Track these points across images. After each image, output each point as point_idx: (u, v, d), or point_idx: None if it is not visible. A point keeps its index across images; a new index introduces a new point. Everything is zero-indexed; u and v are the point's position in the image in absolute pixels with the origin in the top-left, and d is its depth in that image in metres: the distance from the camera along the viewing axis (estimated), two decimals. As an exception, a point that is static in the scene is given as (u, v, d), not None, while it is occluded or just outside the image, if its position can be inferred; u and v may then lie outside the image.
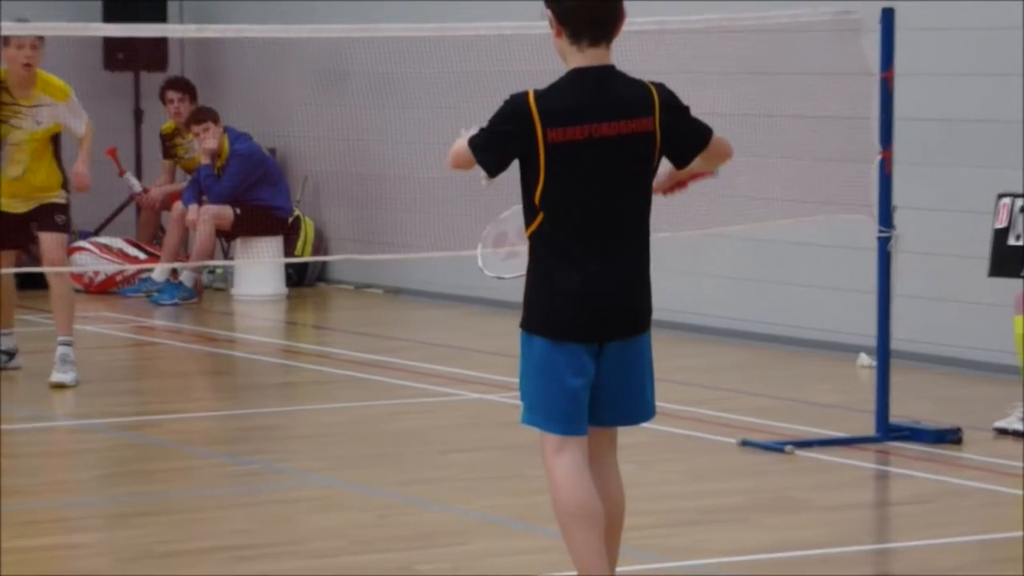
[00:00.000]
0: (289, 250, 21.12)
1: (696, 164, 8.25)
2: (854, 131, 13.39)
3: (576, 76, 7.94)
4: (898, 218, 13.19)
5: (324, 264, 21.84)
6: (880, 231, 13.16)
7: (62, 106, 15.38)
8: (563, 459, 8.06)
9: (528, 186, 7.88)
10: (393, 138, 20.93)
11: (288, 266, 21.21)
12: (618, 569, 10.05)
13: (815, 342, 16.82)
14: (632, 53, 18.48)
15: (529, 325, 8.08)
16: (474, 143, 7.99)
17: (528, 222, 8.00)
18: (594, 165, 7.83)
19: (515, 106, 7.90)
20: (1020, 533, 11.42)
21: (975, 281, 14.26)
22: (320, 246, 21.60)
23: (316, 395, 15.84)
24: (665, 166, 8.20)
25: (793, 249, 16.66)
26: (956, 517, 11.36)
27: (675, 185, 8.42)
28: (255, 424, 14.53)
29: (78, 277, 20.80)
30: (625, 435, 13.81)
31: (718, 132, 8.16)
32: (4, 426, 13.98)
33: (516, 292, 19.25)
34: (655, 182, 8.17)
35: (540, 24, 18.11)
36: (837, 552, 10.37)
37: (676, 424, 12.56)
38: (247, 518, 11.28)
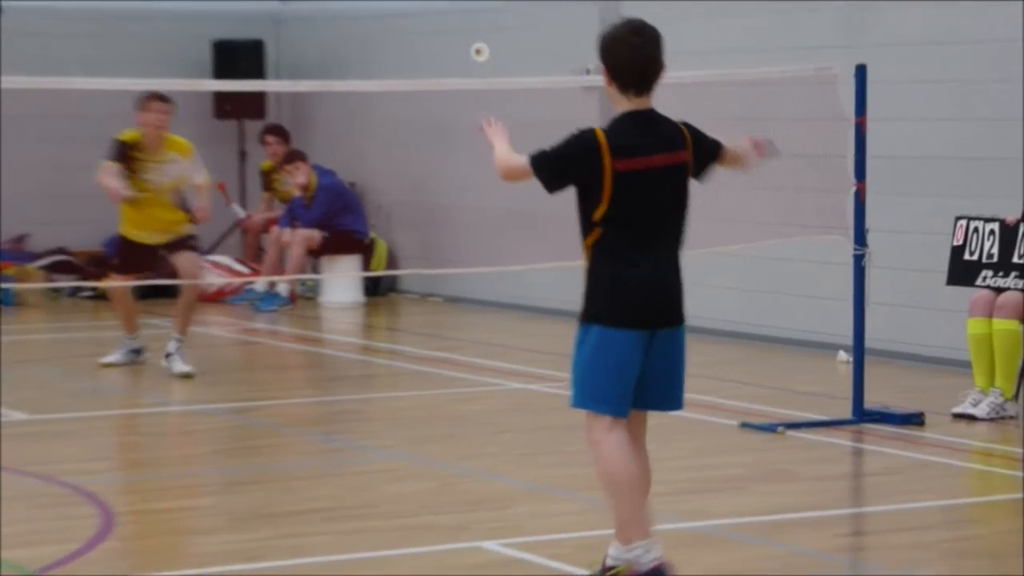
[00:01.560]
0: (366, 266, 21.16)
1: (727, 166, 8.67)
2: (833, 167, 13.38)
3: (628, 118, 8.08)
4: (870, 239, 13.21)
5: (394, 277, 21.81)
6: (856, 249, 13.18)
7: (186, 161, 15.52)
8: (613, 437, 8.10)
9: (588, 205, 8.04)
10: (450, 173, 20.93)
11: (365, 279, 21.22)
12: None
13: (801, 341, 16.80)
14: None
15: (591, 317, 8.12)
16: (538, 163, 8.21)
17: (586, 234, 8.10)
18: (648, 189, 7.98)
19: (586, 139, 8.03)
20: (973, 499, 11.49)
21: (935, 290, 14.26)
22: (391, 262, 21.60)
23: (388, 385, 15.86)
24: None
25: (783, 264, 16.62)
26: (920, 486, 11.37)
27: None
28: (339, 409, 14.56)
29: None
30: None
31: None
32: (135, 410, 14.08)
33: (552, 300, 19.32)
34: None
35: (568, 79, 18.25)
36: (821, 515, 10.40)
37: (686, 409, 12.56)
38: (333, 486, 11.33)
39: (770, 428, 12.86)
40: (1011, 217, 13.52)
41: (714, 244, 16.16)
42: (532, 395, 14.71)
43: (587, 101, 18.98)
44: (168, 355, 15.39)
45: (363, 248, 21.30)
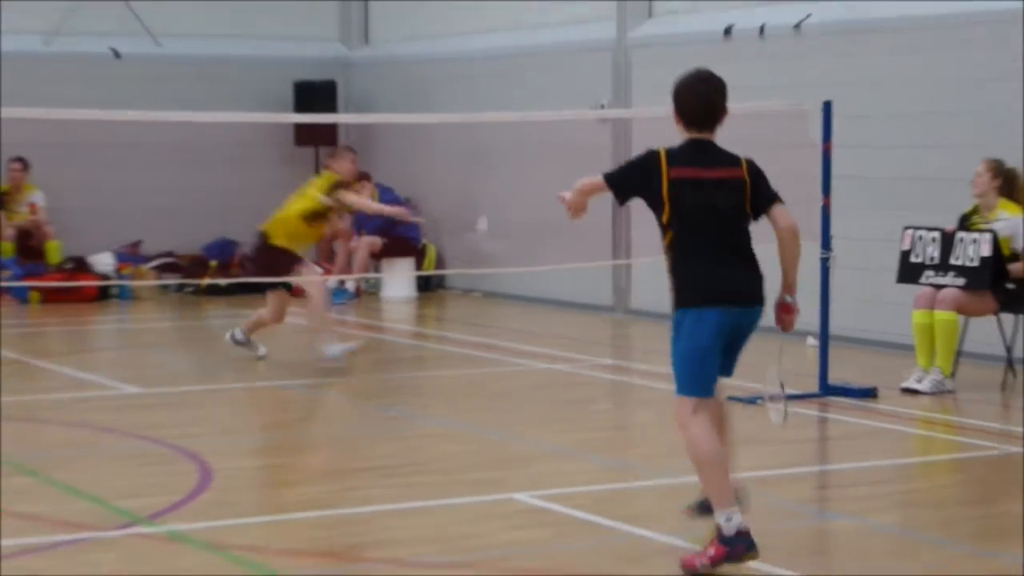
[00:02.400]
0: (418, 267, 21.19)
1: (781, 261, 8.27)
2: (804, 185, 13.36)
3: (690, 142, 8.05)
4: (834, 244, 13.20)
5: (442, 276, 21.83)
6: (822, 253, 13.16)
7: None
8: (698, 419, 7.95)
9: (656, 211, 7.99)
10: (489, 189, 20.94)
11: (418, 277, 21.25)
12: (641, 483, 10.15)
13: (775, 328, 16.77)
14: (649, 126, 18.50)
15: (682, 302, 7.98)
16: (609, 176, 8.14)
17: (663, 237, 8.05)
18: (703, 195, 7.94)
19: (648, 155, 8.01)
20: (918, 459, 11.51)
21: (887, 286, 14.24)
22: (439, 264, 21.62)
23: (436, 365, 15.89)
24: None
25: (761, 264, 16.62)
26: (874, 448, 11.38)
27: (782, 316, 8.47)
28: (396, 384, 14.56)
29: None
30: (645, 392, 13.90)
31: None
32: (229, 385, 14.12)
33: (571, 295, 19.26)
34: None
35: (585, 112, 18.21)
36: (794, 472, 10.42)
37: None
38: (391, 447, 11.34)
39: (751, 400, 12.84)
40: (949, 227, 13.55)
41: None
42: (555, 373, 14.69)
43: (601, 130, 19.03)
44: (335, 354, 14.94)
45: (416, 252, 21.34)
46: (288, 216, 15.14)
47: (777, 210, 8.16)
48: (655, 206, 8.00)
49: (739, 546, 7.72)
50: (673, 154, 8.00)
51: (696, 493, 8.29)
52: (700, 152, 8.05)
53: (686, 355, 7.98)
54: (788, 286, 8.32)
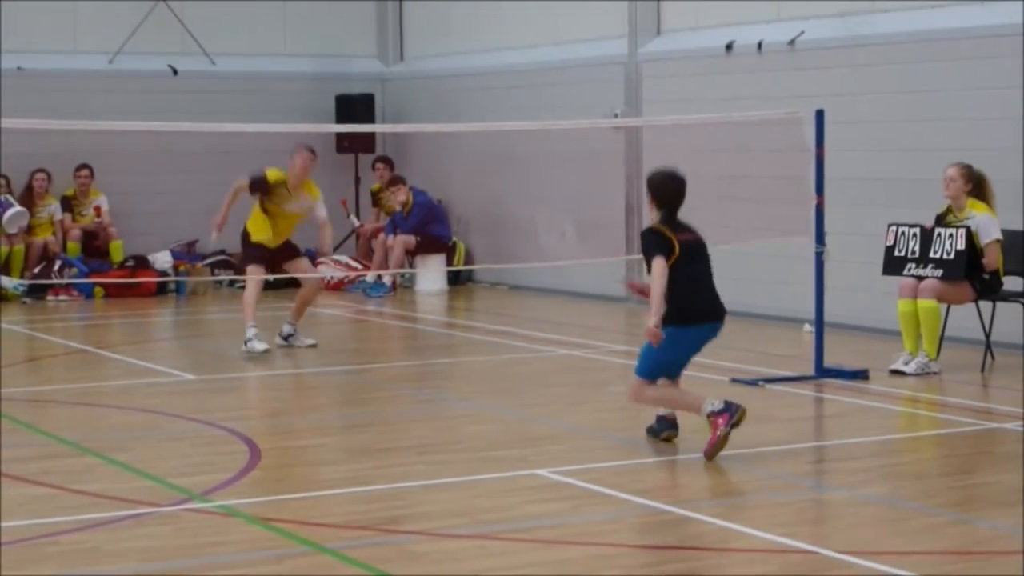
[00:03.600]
0: (449, 262, 21.17)
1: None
2: (799, 186, 13.33)
3: (667, 219, 10.01)
4: (828, 240, 13.16)
5: (471, 271, 21.82)
6: (816, 247, 13.12)
7: (316, 202, 15.21)
8: (647, 388, 10.09)
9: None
10: (513, 191, 20.93)
11: (449, 272, 21.22)
12: (652, 459, 10.10)
13: (776, 316, 16.75)
14: (658, 133, 18.50)
15: (681, 320, 9.91)
16: (663, 255, 9.78)
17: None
18: (692, 249, 9.99)
19: (660, 231, 9.89)
20: (904, 435, 11.45)
21: (874, 278, 14.18)
22: (468, 259, 21.61)
23: (467, 352, 15.84)
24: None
25: (763, 258, 16.58)
26: (865, 425, 11.32)
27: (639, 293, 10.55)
28: (429, 370, 14.55)
29: (322, 280, 20.98)
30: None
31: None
32: (276, 372, 14.11)
33: (589, 287, 19.24)
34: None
35: (600, 121, 18.18)
36: (792, 447, 10.36)
37: (690, 369, 12.50)
38: (425, 428, 11.31)
39: (753, 382, 12.81)
40: (928, 223, 13.53)
41: (716, 243, 16.15)
42: (573, 359, 14.65)
43: (615, 137, 19.00)
44: (289, 336, 15.23)
45: (447, 249, 21.31)
46: (253, 213, 15.18)
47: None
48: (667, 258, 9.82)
49: (731, 407, 9.68)
50: (669, 227, 9.91)
51: (652, 420, 10.32)
52: (678, 224, 9.99)
53: (666, 354, 10.01)
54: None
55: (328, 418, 12.01)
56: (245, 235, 15.16)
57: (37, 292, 19.54)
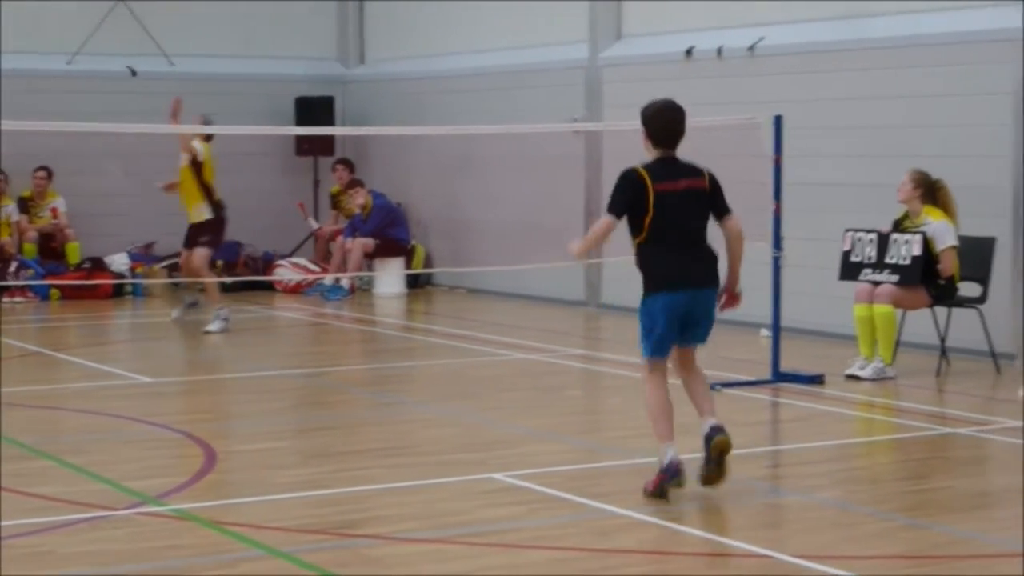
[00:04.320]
0: (408, 266, 21.15)
1: (729, 260, 9.21)
2: (757, 191, 13.37)
3: (659, 160, 8.95)
4: (785, 245, 13.21)
5: (430, 274, 21.79)
6: (774, 252, 13.18)
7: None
8: (652, 378, 8.97)
9: (639, 217, 8.81)
10: (472, 195, 20.96)
11: (407, 275, 21.20)
12: (608, 463, 10.11)
13: (733, 321, 16.69)
14: (618, 137, 18.56)
15: (647, 289, 8.93)
16: (615, 209, 8.81)
17: (636, 236, 8.89)
18: (676, 202, 8.82)
19: (635, 174, 8.82)
20: (860, 439, 11.50)
21: (830, 283, 14.24)
22: (427, 263, 21.60)
23: (425, 355, 15.82)
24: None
25: (721, 264, 16.63)
26: (821, 429, 11.36)
27: (727, 303, 9.33)
28: (387, 374, 14.52)
29: (279, 282, 20.99)
30: (614, 379, 13.87)
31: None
32: (232, 375, 14.08)
33: (547, 291, 19.27)
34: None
35: (560, 126, 18.24)
36: (749, 451, 10.38)
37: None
38: (382, 432, 11.32)
39: (712, 386, 12.80)
40: (885, 228, 13.61)
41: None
42: (531, 363, 14.68)
43: (575, 141, 19.03)
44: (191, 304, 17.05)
45: (406, 252, 21.28)
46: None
47: (729, 220, 9.10)
48: (639, 213, 8.81)
49: (671, 473, 8.74)
50: (651, 171, 8.85)
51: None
52: (669, 167, 8.90)
53: (650, 324, 8.93)
54: (734, 279, 9.25)
55: (285, 421, 11.98)
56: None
57: (-6, 293, 19.47)
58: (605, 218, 8.81)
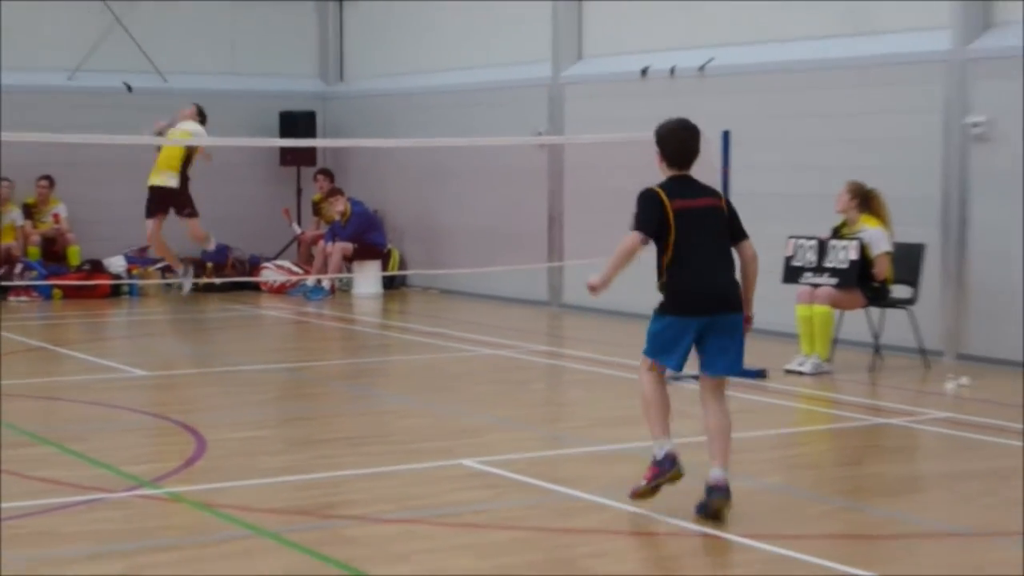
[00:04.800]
0: (384, 268, 21.13)
1: (744, 282, 8.47)
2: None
3: (674, 179, 8.23)
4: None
5: (405, 276, 21.77)
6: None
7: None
8: (649, 375, 8.24)
9: (662, 237, 8.06)
10: (444, 202, 20.95)
11: (384, 277, 21.18)
12: (569, 450, 10.11)
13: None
14: (579, 151, 18.57)
15: (664, 310, 8.19)
16: (645, 229, 8.08)
17: (662, 256, 8.12)
18: (696, 219, 8.11)
19: (654, 194, 8.11)
20: (800, 428, 11.53)
21: (774, 285, 14.25)
22: (402, 265, 21.56)
23: (399, 351, 15.79)
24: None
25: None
26: (764, 420, 11.36)
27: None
28: (364, 368, 14.53)
29: (264, 283, 20.94)
30: (575, 374, 13.85)
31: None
32: (220, 368, 14.04)
33: (515, 292, 19.24)
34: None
35: (525, 139, 18.22)
36: (700, 440, 10.35)
37: (613, 368, 12.57)
38: (359, 422, 11.30)
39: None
40: (824, 236, 13.65)
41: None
42: (498, 358, 14.65)
43: (539, 154, 19.04)
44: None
45: (383, 255, 21.25)
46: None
47: (745, 244, 8.42)
48: (663, 233, 8.08)
49: (666, 465, 8.13)
50: (667, 189, 8.14)
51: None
52: (685, 186, 8.21)
53: (654, 333, 8.21)
54: (749, 302, 8.48)
55: (269, 412, 11.96)
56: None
57: (1, 292, 19.41)
58: (631, 236, 8.06)
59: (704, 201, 8.24)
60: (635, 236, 8.06)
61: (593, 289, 8.23)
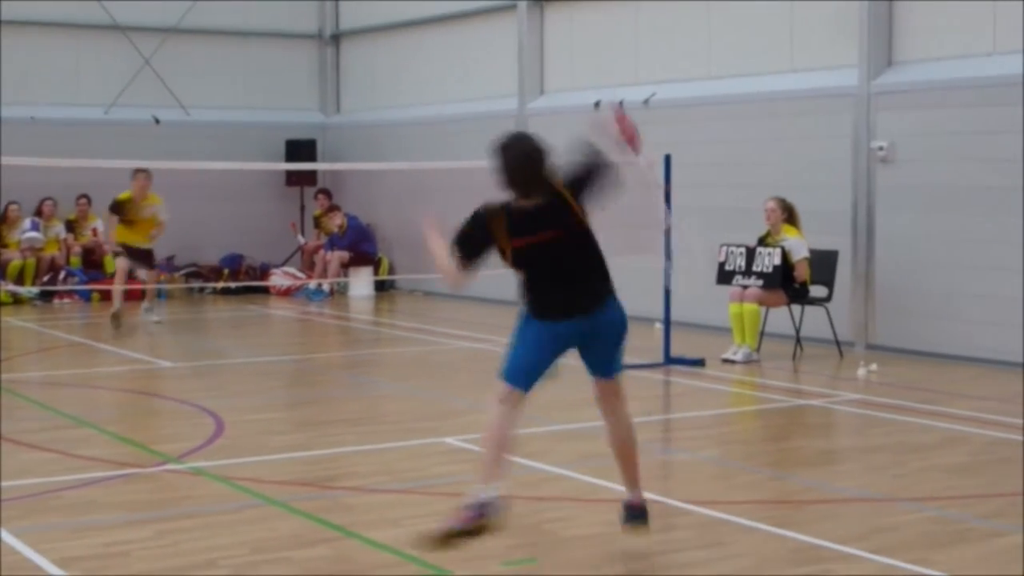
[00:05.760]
0: (376, 273, 21.09)
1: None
2: (651, 214, 13.38)
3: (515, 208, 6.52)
4: (674, 257, 13.23)
5: (393, 280, 21.75)
6: (665, 263, 13.21)
7: (159, 206, 16.23)
8: (499, 407, 6.39)
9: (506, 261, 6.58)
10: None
11: (375, 281, 21.13)
12: (536, 428, 10.09)
13: (634, 317, 16.76)
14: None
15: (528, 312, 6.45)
16: (453, 238, 6.68)
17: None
18: (541, 253, 6.47)
19: (486, 212, 6.57)
20: (733, 409, 11.51)
21: (710, 286, 14.30)
22: (391, 271, 21.54)
23: (389, 344, 15.74)
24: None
25: (622, 272, 16.62)
26: (702, 402, 11.40)
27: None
28: (360, 359, 14.48)
29: (273, 286, 20.84)
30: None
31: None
32: (236, 360, 13.96)
33: (491, 293, 19.16)
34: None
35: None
36: (645, 420, 10.36)
37: (564, 357, 12.51)
38: (358, 406, 11.26)
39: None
40: (751, 244, 13.65)
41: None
42: (477, 351, 14.63)
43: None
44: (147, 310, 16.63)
45: (375, 262, 21.22)
46: (117, 227, 16.20)
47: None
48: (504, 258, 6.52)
49: (478, 513, 6.09)
50: (508, 221, 6.44)
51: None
52: (527, 217, 6.41)
53: (511, 346, 6.51)
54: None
55: (278, 397, 11.92)
56: (121, 245, 16.15)
57: (46, 297, 19.35)
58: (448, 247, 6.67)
59: (546, 235, 6.33)
60: (454, 271, 6.57)
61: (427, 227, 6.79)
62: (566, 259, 6.39)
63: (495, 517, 6.13)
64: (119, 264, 16.22)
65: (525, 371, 6.39)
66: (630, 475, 6.72)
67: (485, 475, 6.22)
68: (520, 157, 6.36)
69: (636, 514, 6.71)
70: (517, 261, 6.37)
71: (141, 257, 16.23)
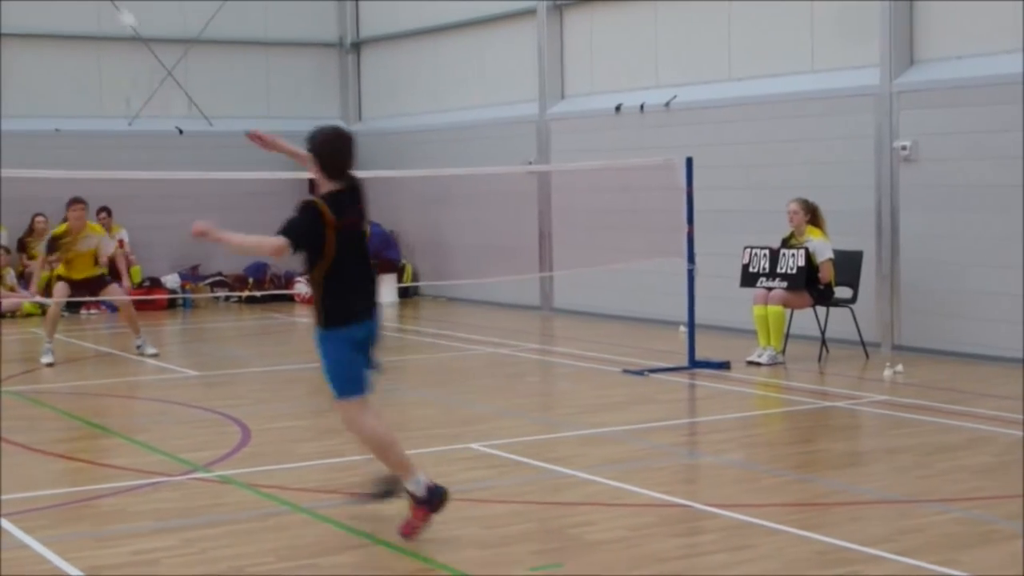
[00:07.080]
0: (400, 280, 21.11)
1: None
2: (673, 216, 13.38)
3: (340, 195, 6.92)
4: (697, 259, 13.24)
5: (417, 286, 21.77)
6: (688, 266, 13.20)
7: (102, 237, 14.75)
8: (368, 414, 6.97)
9: (317, 251, 6.82)
10: (449, 223, 20.93)
11: (399, 288, 21.15)
12: (561, 434, 10.08)
13: (657, 320, 16.80)
14: (563, 176, 18.53)
15: (329, 322, 6.83)
16: (285, 230, 6.74)
17: (313, 266, 6.86)
18: (351, 240, 6.90)
19: (318, 212, 6.72)
20: (758, 412, 11.48)
21: (733, 289, 14.28)
22: (415, 277, 21.56)
23: (413, 351, 15.73)
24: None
25: (647, 275, 16.65)
26: (727, 405, 11.36)
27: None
28: (385, 365, 14.45)
29: (297, 294, 20.90)
30: (563, 368, 13.82)
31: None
32: (259, 368, 14.00)
33: (510, 298, 19.16)
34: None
35: (516, 168, 18.16)
36: (670, 423, 10.40)
37: (588, 361, 12.52)
38: (383, 412, 11.23)
39: (640, 372, 12.85)
40: (775, 246, 13.65)
41: (609, 263, 16.26)
42: (498, 356, 14.63)
43: (529, 180, 19.04)
44: (139, 346, 14.75)
45: (398, 269, 21.25)
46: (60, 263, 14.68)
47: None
48: (317, 248, 6.71)
49: (435, 498, 6.89)
50: (338, 204, 6.73)
51: (370, 484, 7.34)
52: (350, 199, 6.90)
53: (340, 365, 6.80)
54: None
55: (303, 405, 11.93)
56: (58, 276, 14.70)
57: (73, 307, 19.39)
58: (278, 239, 6.66)
59: (360, 218, 6.83)
60: (280, 241, 6.56)
61: (201, 234, 6.76)
62: (363, 250, 6.90)
63: (444, 494, 6.92)
64: (57, 290, 14.50)
65: (361, 379, 6.92)
66: (395, 464, 6.96)
67: (407, 472, 6.92)
68: (344, 139, 6.89)
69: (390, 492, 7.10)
70: (340, 246, 6.67)
71: (90, 287, 14.67)
